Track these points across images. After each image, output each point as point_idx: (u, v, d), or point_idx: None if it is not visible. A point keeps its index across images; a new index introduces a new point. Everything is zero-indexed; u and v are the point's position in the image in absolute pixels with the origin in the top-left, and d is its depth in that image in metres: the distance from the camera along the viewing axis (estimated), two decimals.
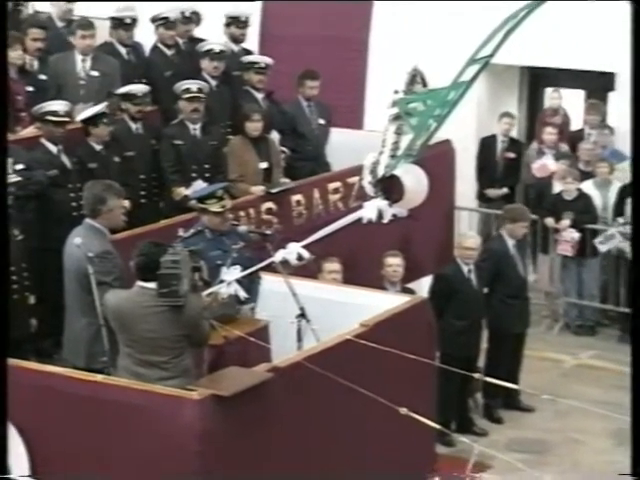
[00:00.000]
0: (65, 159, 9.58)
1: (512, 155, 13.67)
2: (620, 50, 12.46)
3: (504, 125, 13.65)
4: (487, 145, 13.70)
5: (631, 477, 6.67)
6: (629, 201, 12.88)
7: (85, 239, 8.17)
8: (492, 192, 13.65)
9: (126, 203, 8.84)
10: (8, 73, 9.05)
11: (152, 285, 7.28)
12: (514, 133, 14.16)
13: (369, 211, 7.76)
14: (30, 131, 9.92)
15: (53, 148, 9.55)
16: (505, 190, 13.62)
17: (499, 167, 13.69)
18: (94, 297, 7.95)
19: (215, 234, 8.67)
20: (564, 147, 13.54)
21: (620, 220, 12.86)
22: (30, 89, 10.39)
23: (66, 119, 9.62)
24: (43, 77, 10.74)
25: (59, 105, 9.66)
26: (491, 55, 7.39)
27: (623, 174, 13.23)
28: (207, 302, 7.78)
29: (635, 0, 6.74)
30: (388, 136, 7.73)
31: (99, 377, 7.26)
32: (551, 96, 14.12)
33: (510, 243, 11.27)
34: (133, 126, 10.35)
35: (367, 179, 7.82)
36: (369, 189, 7.82)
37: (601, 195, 13.11)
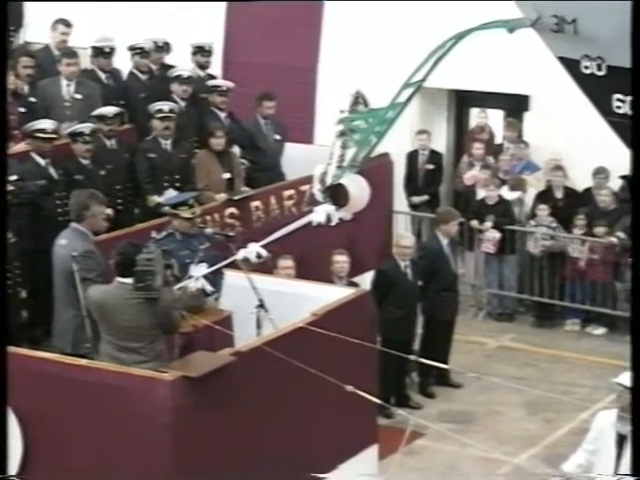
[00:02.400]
0: (52, 171, 9.58)
1: (431, 166, 13.72)
2: (534, 75, 12.59)
3: (420, 141, 13.69)
4: (411, 158, 13.72)
5: (631, 477, 6.39)
6: (542, 206, 12.98)
7: (70, 240, 8.20)
8: (416, 199, 13.66)
9: (108, 210, 8.83)
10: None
11: (129, 280, 7.24)
12: (442, 147, 14.20)
13: (319, 215, 7.75)
14: (21, 146, 9.86)
15: (42, 161, 9.54)
16: (426, 197, 13.65)
17: (420, 177, 13.72)
18: (78, 291, 7.91)
19: (184, 236, 8.66)
20: (490, 159, 13.60)
21: (532, 222, 12.96)
22: (21, 110, 10.34)
23: (53, 136, 9.64)
24: (33, 99, 10.70)
25: (47, 124, 9.67)
26: (423, 80, 7.40)
27: (537, 183, 13.33)
28: (178, 295, 7.73)
29: (635, 0, 6.53)
30: (335, 150, 7.73)
31: (83, 361, 7.20)
32: (478, 115, 14.16)
33: (444, 242, 11.30)
34: (108, 143, 10.31)
35: (317, 187, 7.81)
36: (318, 196, 7.80)
37: (518, 200, 13.15)
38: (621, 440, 7.92)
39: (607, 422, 8.03)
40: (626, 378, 8.08)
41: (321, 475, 7.34)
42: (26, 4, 12.57)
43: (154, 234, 8.83)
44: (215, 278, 8.49)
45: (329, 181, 7.66)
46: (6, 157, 7.66)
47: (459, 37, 7.14)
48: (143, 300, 7.17)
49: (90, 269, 8.04)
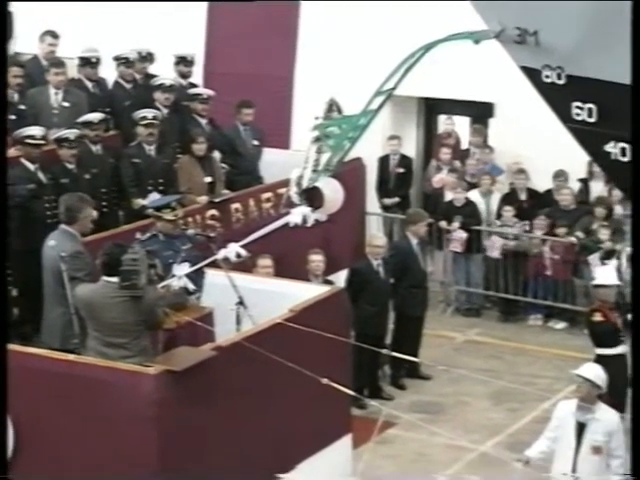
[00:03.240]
0: (41, 175, 9.53)
1: (401, 170, 13.74)
2: (498, 83, 12.63)
3: (391, 146, 13.71)
4: (382, 162, 13.73)
5: (631, 477, 6.25)
6: (507, 208, 13.02)
7: (59, 241, 8.16)
8: (387, 201, 13.67)
9: (94, 213, 8.80)
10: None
11: (115, 279, 7.21)
12: (412, 152, 14.22)
13: (295, 216, 7.74)
14: (11, 152, 9.78)
15: (31, 166, 9.48)
16: (397, 199, 13.66)
17: (392, 180, 13.74)
18: (67, 290, 7.88)
19: (167, 237, 8.63)
20: (457, 163, 13.63)
21: (498, 222, 13.00)
22: (11, 117, 10.25)
23: (42, 142, 9.59)
24: (22, 107, 10.64)
25: (36, 130, 9.62)
26: (394, 88, 7.40)
27: (501, 185, 13.37)
28: (161, 293, 7.70)
29: (635, 0, 6.39)
30: (310, 154, 7.72)
31: (71, 356, 7.17)
32: (445, 122, 14.19)
33: (414, 242, 11.32)
34: (93, 148, 10.27)
35: (293, 190, 7.80)
36: (295, 198, 7.79)
37: (484, 202, 13.21)
38: (580, 428, 7.96)
39: (567, 411, 8.07)
40: (585, 370, 8.13)
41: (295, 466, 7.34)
42: (15, 16, 12.50)
43: (139, 235, 8.81)
44: (197, 277, 8.47)
45: (305, 184, 7.66)
46: (6, 161, 7.62)
47: (427, 48, 7.15)
48: (128, 298, 7.15)
49: (78, 269, 8.00)
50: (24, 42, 12.49)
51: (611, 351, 9.73)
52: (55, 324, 8.18)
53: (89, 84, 11.40)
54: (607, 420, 7.97)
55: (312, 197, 7.62)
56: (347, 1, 13.63)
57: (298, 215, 7.69)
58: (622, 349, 9.83)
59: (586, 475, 7.92)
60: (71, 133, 9.92)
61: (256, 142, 11.77)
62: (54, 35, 11.72)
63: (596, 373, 8.09)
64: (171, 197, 9.16)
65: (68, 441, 6.84)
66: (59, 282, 8.01)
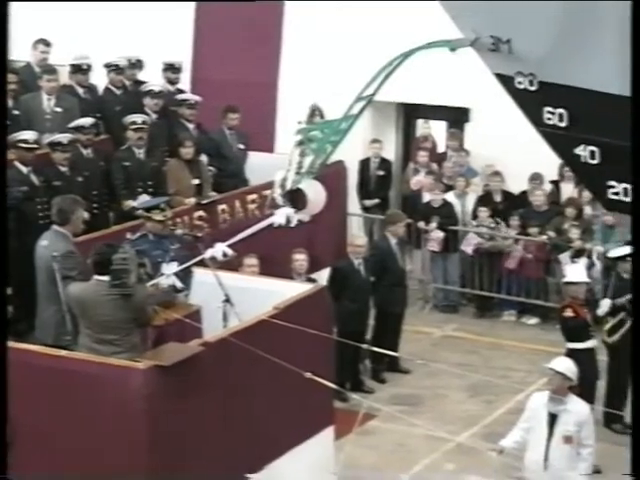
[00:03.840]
0: (34, 178, 9.51)
1: (382, 172, 13.76)
2: (474, 89, 12.65)
3: (373, 149, 13.72)
4: (363, 165, 13.74)
5: (631, 477, 6.11)
6: (482, 209, 13.05)
7: (51, 242, 8.15)
8: (368, 202, 13.69)
9: (85, 214, 8.78)
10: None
11: (106, 278, 7.19)
12: (391, 155, 14.23)
13: (279, 217, 7.72)
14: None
15: (24, 169, 9.46)
16: (377, 200, 13.68)
17: (372, 182, 13.75)
18: (59, 289, 7.86)
19: (156, 237, 8.64)
20: (434, 166, 13.65)
21: (474, 223, 13.02)
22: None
23: (34, 146, 9.58)
24: (16, 112, 10.60)
25: (29, 135, 9.61)
26: (373, 94, 7.40)
27: (476, 187, 13.41)
28: (151, 291, 7.69)
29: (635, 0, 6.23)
30: (294, 157, 7.70)
31: (64, 352, 7.14)
32: (422, 126, 14.23)
33: (393, 242, 11.34)
34: (85, 152, 10.24)
35: (277, 192, 7.78)
36: (279, 200, 7.78)
37: (460, 203, 13.23)
38: (552, 419, 8.00)
39: (540, 403, 8.11)
40: (557, 363, 8.17)
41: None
42: (10, 24, 12.47)
43: (129, 235, 8.79)
44: (185, 276, 8.46)
45: (288, 186, 7.65)
46: (6, 163, 7.60)
47: (406, 55, 7.16)
48: (119, 296, 7.13)
49: (70, 268, 7.98)
50: (17, 50, 12.44)
51: (581, 345, 9.78)
52: (48, 322, 8.16)
53: (80, 90, 11.38)
54: (578, 411, 8.02)
55: (295, 198, 7.61)
56: (330, 10, 13.68)
57: (282, 216, 7.68)
58: (592, 343, 9.88)
59: (557, 463, 7.97)
60: (64, 137, 9.91)
61: (241, 146, 11.77)
62: (46, 43, 11.72)
63: (567, 366, 8.13)
64: (160, 199, 9.16)
65: (61, 433, 6.81)
66: (52, 281, 7.99)
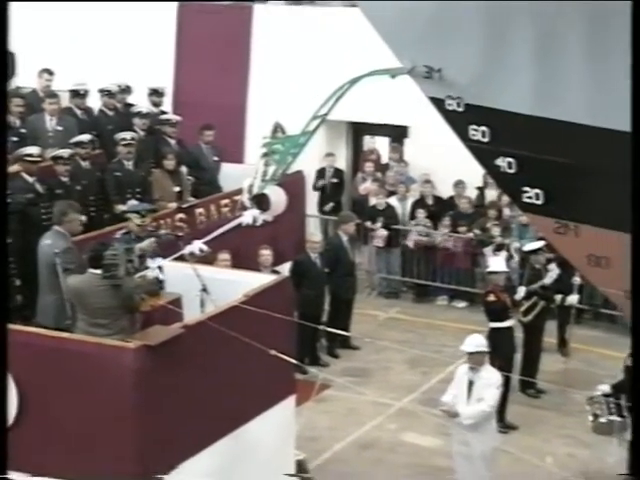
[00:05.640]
0: (38, 186, 9.35)
1: (335, 180, 13.75)
2: (412, 110, 12.68)
3: (327, 161, 13.73)
4: (320, 174, 13.74)
5: (631, 477, 5.66)
6: (420, 210, 13.09)
7: (53, 240, 8.08)
8: (325, 206, 13.69)
9: (82, 217, 8.69)
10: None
11: (99, 271, 7.11)
12: (343, 166, 14.24)
13: (247, 218, 7.68)
14: (14, 168, 9.61)
15: (29, 179, 9.30)
16: (332, 204, 13.66)
17: (327, 189, 13.74)
18: (60, 280, 7.78)
19: (137, 237, 8.55)
20: (378, 175, 13.68)
21: (413, 222, 13.07)
22: (14, 139, 10.09)
23: (38, 159, 9.43)
24: (23, 131, 10.46)
25: (33, 149, 9.46)
26: (327, 113, 7.37)
27: (414, 192, 13.45)
28: (138, 282, 7.61)
29: (635, 0, 5.73)
30: (259, 167, 7.67)
31: (65, 334, 7.04)
32: (369, 141, 14.26)
33: (344, 239, 11.34)
34: (83, 164, 10.11)
35: (245, 196, 7.74)
36: (247, 203, 7.74)
37: (401, 206, 13.27)
38: (470, 384, 8.17)
39: (462, 372, 8.27)
40: (467, 345, 8.31)
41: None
42: (17, 58, 12.30)
43: (118, 234, 8.71)
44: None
45: (255, 191, 7.61)
46: (6, 166, 7.48)
47: (353, 81, 7.14)
48: (109, 286, 7.06)
49: (69, 262, 7.89)
50: (24, 78, 12.33)
51: (502, 324, 9.85)
52: (49, 308, 8.07)
53: (78, 112, 11.23)
54: (488, 377, 8.18)
55: (261, 202, 7.57)
56: (290, 45, 13.69)
57: (249, 216, 7.63)
58: (510, 323, 9.95)
59: (474, 418, 8.11)
60: (65, 152, 9.80)
61: (216, 158, 11.69)
62: (50, 72, 11.60)
63: (476, 343, 8.24)
64: (142, 205, 9.11)
65: (62, 405, 6.72)
66: (53, 273, 7.91)
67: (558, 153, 6.55)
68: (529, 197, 6.94)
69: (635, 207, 5.84)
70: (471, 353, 8.19)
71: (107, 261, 7.01)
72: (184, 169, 11.29)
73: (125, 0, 14.27)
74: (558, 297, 10.63)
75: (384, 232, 12.96)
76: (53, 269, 7.90)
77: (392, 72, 7.12)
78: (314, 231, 12.39)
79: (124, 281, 7.08)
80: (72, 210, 8.25)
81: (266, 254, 10.45)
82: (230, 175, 11.39)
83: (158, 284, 8.21)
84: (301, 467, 8.11)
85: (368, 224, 13.01)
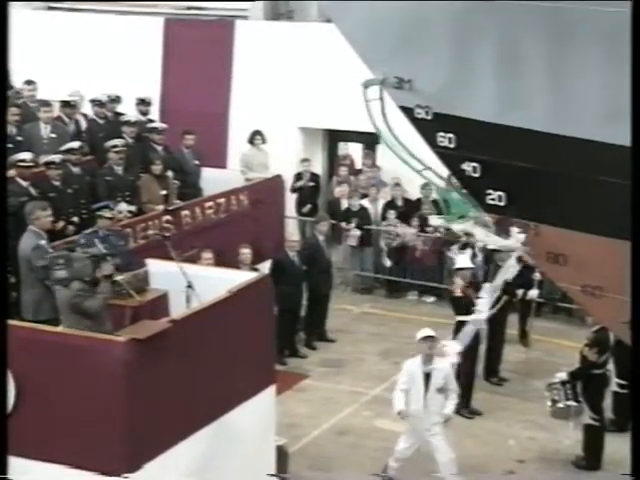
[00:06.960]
0: (32, 190, 9.29)
1: (312, 184, 13.76)
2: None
3: (303, 166, 13.67)
4: (297, 177, 13.74)
5: (631, 477, 5.34)
6: (391, 212, 13.12)
7: (27, 239, 8.13)
8: (303, 208, 13.69)
9: (48, 213, 8.40)
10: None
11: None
12: (319, 170, 14.25)
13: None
14: (9, 173, 9.54)
15: (23, 183, 9.24)
16: (309, 206, 13.67)
17: (305, 192, 13.74)
18: (35, 275, 7.79)
19: (105, 234, 8.54)
20: (352, 179, 13.70)
21: (384, 223, 13.10)
22: (10, 146, 9.98)
23: (31, 164, 9.38)
24: (19, 138, 10.36)
25: (26, 155, 9.40)
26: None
27: (386, 195, 13.48)
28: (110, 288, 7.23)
29: (635, 0, 5.37)
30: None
31: (60, 329, 6.97)
32: (343, 147, 14.28)
33: (321, 238, 11.36)
34: (74, 169, 10.04)
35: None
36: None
37: (373, 208, 13.30)
38: (426, 377, 8.16)
39: (415, 366, 8.29)
40: (422, 332, 8.29)
41: None
42: (12, 70, 12.19)
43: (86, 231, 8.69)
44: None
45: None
46: (5, 169, 7.43)
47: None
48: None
49: (38, 258, 7.90)
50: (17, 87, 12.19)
51: (467, 318, 9.89)
52: (27, 303, 8.09)
53: (67, 120, 11.19)
54: (444, 368, 8.18)
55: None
56: (268, 60, 13.70)
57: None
58: (474, 317, 9.99)
59: (434, 408, 8.17)
60: (57, 157, 9.74)
61: (197, 162, 11.67)
62: (30, 82, 11.51)
63: (429, 332, 8.26)
64: (110, 201, 9.01)
65: (56, 395, 6.66)
66: (30, 270, 7.95)
67: (519, 158, 6.60)
68: (492, 199, 6.99)
69: (635, 215, 5.52)
70: (428, 337, 8.17)
71: (54, 264, 6.93)
72: (170, 174, 11.26)
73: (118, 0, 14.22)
74: (519, 292, 10.70)
75: (357, 232, 12.99)
76: (29, 265, 7.98)
77: (365, 83, 7.14)
78: (292, 231, 12.38)
79: (100, 286, 6.97)
80: (37, 209, 8.25)
81: (246, 252, 10.43)
82: (213, 179, 11.39)
83: (148, 281, 8.16)
84: (281, 452, 8.10)
85: (343, 224, 13.03)
